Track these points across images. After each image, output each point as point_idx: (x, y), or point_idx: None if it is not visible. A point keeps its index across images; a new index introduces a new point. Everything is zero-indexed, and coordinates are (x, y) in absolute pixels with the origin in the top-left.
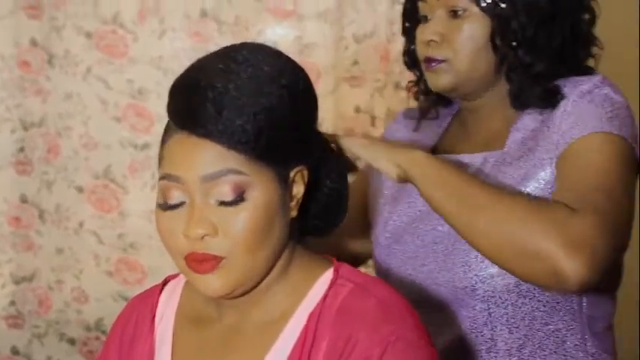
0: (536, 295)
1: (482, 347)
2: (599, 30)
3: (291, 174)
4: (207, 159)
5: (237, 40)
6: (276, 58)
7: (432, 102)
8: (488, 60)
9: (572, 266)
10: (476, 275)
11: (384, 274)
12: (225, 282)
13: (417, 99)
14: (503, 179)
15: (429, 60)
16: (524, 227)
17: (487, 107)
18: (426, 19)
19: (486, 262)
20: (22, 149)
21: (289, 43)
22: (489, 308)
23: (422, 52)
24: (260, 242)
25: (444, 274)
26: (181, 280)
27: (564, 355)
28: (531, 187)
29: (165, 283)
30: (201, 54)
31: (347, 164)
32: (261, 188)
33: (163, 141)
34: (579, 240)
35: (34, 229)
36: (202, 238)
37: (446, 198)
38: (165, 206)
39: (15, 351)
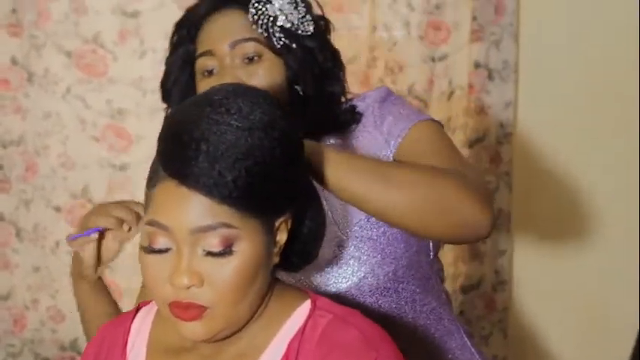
0: (411, 280)
1: None
2: (600, 30)
3: (277, 223)
4: (197, 212)
5: None
6: (268, 105)
7: None
8: (285, 99)
9: (485, 214)
10: (355, 273)
11: None
12: (208, 330)
13: None
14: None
15: None
16: (437, 187)
17: None
18: (211, 73)
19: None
20: (0, 167)
21: None
22: (378, 300)
23: None
24: (245, 293)
25: (325, 277)
26: (153, 307)
27: (446, 332)
28: None
29: (137, 309)
30: None
31: None
32: (249, 240)
33: (151, 184)
34: (480, 191)
35: (11, 247)
36: (188, 288)
37: (352, 180)
38: (149, 250)
39: None
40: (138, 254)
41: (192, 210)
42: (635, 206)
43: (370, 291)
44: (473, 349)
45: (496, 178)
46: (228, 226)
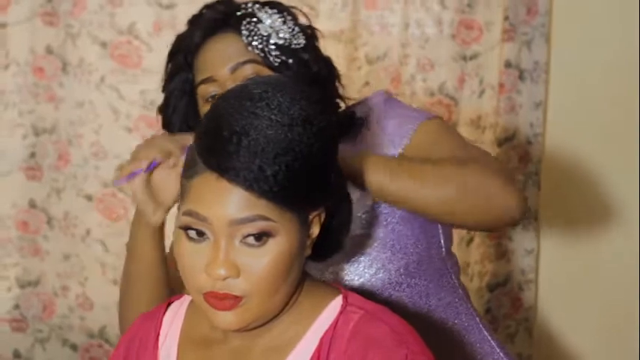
0: (423, 275)
1: None
2: (600, 30)
3: (311, 216)
4: (237, 204)
5: None
6: (306, 100)
7: None
8: None
9: (517, 198)
10: (367, 269)
11: None
12: (241, 319)
13: None
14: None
15: None
16: (469, 177)
17: None
18: (213, 97)
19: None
20: (32, 155)
21: None
22: (391, 295)
23: None
24: (280, 284)
25: (339, 274)
26: (185, 300)
27: (464, 326)
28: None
29: (169, 303)
30: None
31: None
32: (285, 233)
33: (189, 174)
34: (507, 176)
35: (42, 235)
36: (224, 279)
37: (388, 182)
38: (187, 229)
39: (17, 354)
40: (173, 241)
41: (231, 203)
42: None
43: (383, 286)
44: (493, 343)
45: (525, 177)
46: (265, 218)
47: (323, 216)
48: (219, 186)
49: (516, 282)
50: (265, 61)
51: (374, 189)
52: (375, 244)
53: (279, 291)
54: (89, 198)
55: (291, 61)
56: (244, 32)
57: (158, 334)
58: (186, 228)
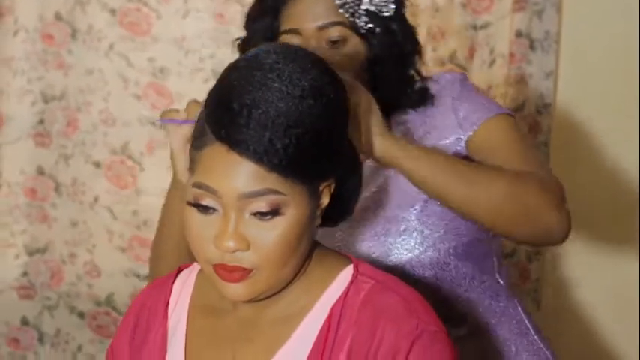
0: (470, 258)
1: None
2: (601, 14)
3: (321, 187)
4: (246, 178)
5: None
6: (317, 70)
7: None
8: (364, 80)
9: (561, 219)
10: (418, 245)
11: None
12: (251, 291)
13: None
14: None
15: None
16: (517, 192)
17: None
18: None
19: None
20: (41, 122)
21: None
22: (437, 274)
23: None
24: (290, 256)
25: (387, 247)
26: (195, 268)
27: (503, 308)
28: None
29: (178, 271)
30: (223, 35)
31: None
32: (295, 206)
33: (198, 144)
34: (557, 196)
35: (50, 202)
36: (234, 251)
37: (440, 177)
38: (196, 205)
39: (25, 321)
40: (183, 213)
41: (241, 176)
42: None
43: (430, 264)
44: (529, 324)
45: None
46: (275, 192)
47: (333, 186)
48: (229, 158)
49: (525, 253)
50: (352, 25)
51: (415, 180)
52: (430, 222)
53: (288, 263)
54: (97, 165)
55: (378, 29)
56: None
57: (168, 302)
58: (195, 204)
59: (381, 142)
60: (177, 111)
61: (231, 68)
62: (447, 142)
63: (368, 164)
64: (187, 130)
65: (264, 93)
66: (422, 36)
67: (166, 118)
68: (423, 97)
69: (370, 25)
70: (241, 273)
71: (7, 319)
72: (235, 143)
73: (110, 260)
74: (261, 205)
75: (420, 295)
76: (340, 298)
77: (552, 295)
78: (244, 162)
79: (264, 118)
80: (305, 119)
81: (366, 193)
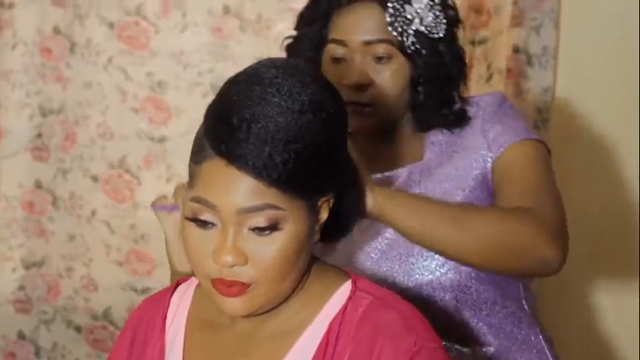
0: (492, 282)
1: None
2: (599, 30)
3: (320, 202)
4: (245, 192)
5: (259, 39)
6: (317, 86)
7: None
8: (404, 100)
9: (555, 252)
10: (439, 267)
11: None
12: (249, 306)
13: None
14: (432, 183)
15: (353, 104)
16: (507, 231)
17: (390, 132)
18: (338, 60)
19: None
20: (39, 135)
21: None
22: (457, 297)
23: (346, 96)
24: (288, 271)
25: (409, 267)
26: (193, 283)
27: (524, 336)
28: (463, 190)
29: (176, 285)
30: (221, 50)
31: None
32: (293, 221)
33: (197, 159)
34: (553, 229)
35: (47, 216)
36: (232, 266)
37: (430, 226)
38: (194, 220)
39: (21, 335)
40: (181, 227)
41: (240, 190)
42: None
43: (451, 287)
44: (549, 355)
45: None
46: (274, 207)
47: (332, 201)
48: (228, 173)
49: None
50: (399, 44)
51: (401, 228)
52: None
53: (287, 278)
54: (95, 179)
55: (425, 51)
56: (390, 10)
57: (165, 316)
58: (193, 219)
59: (369, 196)
60: (165, 197)
61: (231, 82)
62: (474, 162)
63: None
64: (179, 216)
65: (264, 108)
66: None
67: (157, 205)
68: (460, 120)
69: (417, 46)
70: (240, 288)
71: (4, 333)
72: (234, 158)
73: (107, 274)
74: (260, 220)
75: (419, 311)
76: (339, 313)
77: (554, 295)
78: (243, 177)
79: (263, 133)
80: (304, 134)
81: None
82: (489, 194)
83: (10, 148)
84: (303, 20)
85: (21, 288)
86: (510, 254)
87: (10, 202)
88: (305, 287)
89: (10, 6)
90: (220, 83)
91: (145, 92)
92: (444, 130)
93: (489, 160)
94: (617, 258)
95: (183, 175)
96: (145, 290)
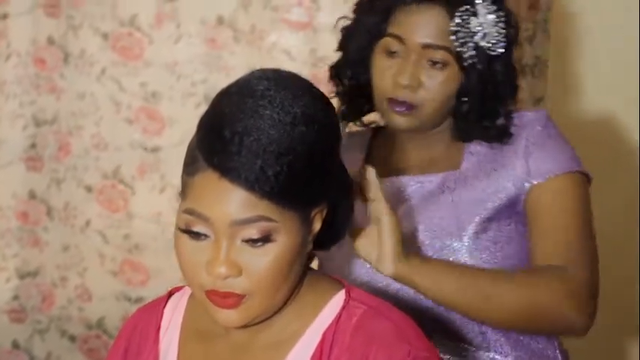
0: None
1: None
2: (599, 29)
3: (312, 213)
4: (238, 205)
5: (252, 49)
6: (308, 97)
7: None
8: (449, 107)
9: (582, 319)
10: None
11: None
12: (244, 317)
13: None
14: (465, 192)
15: (400, 103)
16: (533, 300)
17: (432, 134)
18: (392, 54)
19: None
20: (33, 146)
21: (304, 55)
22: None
23: (390, 91)
24: (281, 282)
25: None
26: (186, 292)
27: (541, 351)
28: (493, 203)
29: (169, 295)
30: (215, 60)
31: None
32: (286, 232)
33: (190, 170)
34: (582, 295)
35: (42, 226)
36: (225, 278)
37: (454, 295)
38: (187, 231)
39: (16, 345)
40: (174, 238)
41: (232, 203)
42: None
43: None
44: None
45: None
46: (267, 219)
47: (325, 212)
48: (221, 185)
49: None
50: (457, 54)
51: (431, 295)
52: (482, 257)
53: (281, 288)
54: (89, 189)
55: (480, 66)
56: (456, 19)
57: (159, 326)
58: (186, 230)
59: (397, 263)
60: None
61: (223, 94)
62: (510, 184)
63: (420, 193)
64: None
65: (256, 120)
66: None
67: None
68: (501, 135)
69: (474, 60)
70: (235, 299)
71: None
72: (227, 170)
73: (101, 284)
74: (253, 231)
75: (412, 320)
76: (332, 323)
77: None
78: (236, 189)
79: (255, 146)
80: (296, 146)
81: (418, 223)
82: (516, 214)
83: (3, 159)
84: (363, 8)
85: (15, 298)
86: (535, 321)
87: (4, 212)
88: (298, 297)
89: (4, 17)
90: (214, 94)
91: (138, 103)
92: (484, 142)
93: (527, 185)
94: (617, 258)
95: (177, 185)
96: (139, 300)
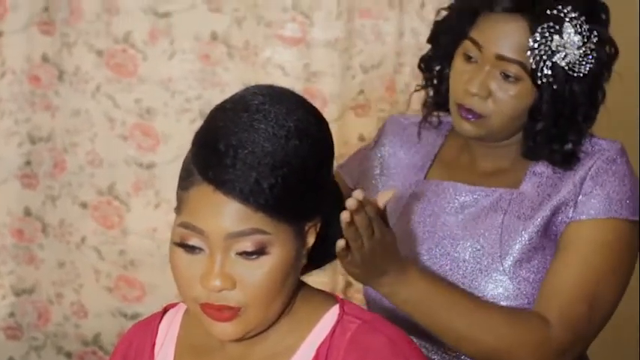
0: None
1: None
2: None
3: (307, 227)
4: (233, 218)
5: (246, 65)
6: (302, 111)
7: (436, 109)
8: (520, 122)
9: None
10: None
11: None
12: (240, 330)
13: (424, 105)
14: (516, 217)
15: (467, 110)
16: (505, 347)
17: (502, 146)
18: (469, 59)
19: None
20: (28, 163)
21: (297, 70)
22: None
23: (460, 97)
24: (275, 295)
25: None
26: (181, 308)
27: None
28: (536, 227)
29: (165, 311)
30: (209, 76)
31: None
32: (280, 245)
33: (185, 185)
34: (553, 355)
35: (37, 243)
36: (220, 291)
37: (440, 319)
38: (182, 245)
39: None
40: (169, 252)
41: (227, 216)
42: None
43: None
44: None
45: None
46: (261, 232)
47: (319, 226)
48: (216, 198)
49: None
50: (532, 71)
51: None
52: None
53: (275, 301)
54: (84, 206)
55: (556, 86)
56: (537, 35)
57: (154, 343)
58: (181, 244)
59: (388, 282)
60: None
61: (218, 109)
62: (555, 216)
63: (474, 207)
64: None
65: (251, 134)
66: (406, 75)
67: None
68: (567, 162)
69: (550, 80)
70: (230, 312)
71: None
72: (222, 183)
73: (97, 300)
74: (247, 244)
75: (407, 335)
76: (327, 338)
77: None
78: (230, 202)
79: (250, 159)
80: (291, 159)
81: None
82: (550, 239)
83: None
84: (457, 5)
85: (11, 315)
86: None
87: None
88: (293, 311)
89: None
90: (208, 109)
91: (133, 119)
92: (550, 165)
93: (568, 219)
94: None
95: (172, 201)
96: (134, 316)
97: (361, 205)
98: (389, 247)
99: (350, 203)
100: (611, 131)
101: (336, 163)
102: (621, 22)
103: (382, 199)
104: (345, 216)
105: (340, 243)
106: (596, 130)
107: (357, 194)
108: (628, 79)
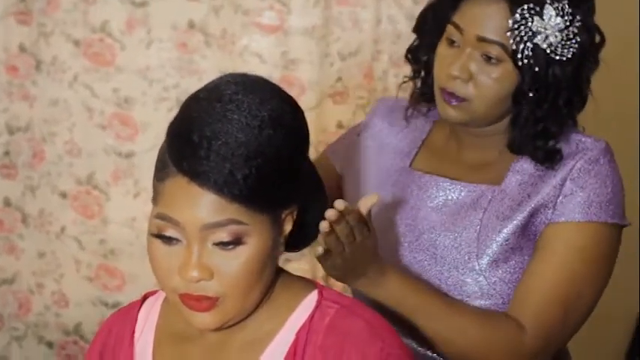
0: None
1: None
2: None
3: (283, 215)
4: (208, 209)
5: (224, 53)
6: (276, 100)
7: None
8: (504, 107)
9: None
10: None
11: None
12: (219, 319)
13: (412, 97)
14: (495, 216)
15: (449, 94)
16: (477, 350)
17: (488, 135)
18: (452, 43)
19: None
20: (7, 153)
21: (275, 58)
22: None
23: (443, 81)
24: (254, 284)
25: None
26: (160, 296)
27: None
28: (514, 227)
29: (144, 299)
30: (187, 65)
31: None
32: (257, 234)
33: (161, 176)
34: (526, 358)
35: (17, 233)
36: (198, 281)
37: (419, 321)
38: (160, 236)
39: None
40: (147, 243)
41: (203, 207)
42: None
43: None
44: None
45: None
46: (237, 222)
47: (295, 213)
48: (191, 190)
49: None
50: (512, 52)
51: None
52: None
53: (253, 290)
54: (64, 195)
55: (537, 69)
56: (517, 16)
57: (134, 330)
58: (158, 235)
59: (366, 283)
60: None
61: (192, 99)
62: (534, 217)
63: (454, 202)
64: None
65: (224, 125)
66: (384, 62)
67: None
68: (549, 159)
69: (531, 62)
70: (208, 302)
71: None
72: (196, 175)
73: (78, 290)
74: (223, 235)
75: (384, 319)
76: (305, 323)
77: None
78: (206, 193)
79: (224, 150)
80: (265, 149)
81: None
82: (528, 240)
83: None
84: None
85: None
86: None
87: None
88: (272, 298)
89: None
90: (186, 97)
91: (111, 108)
92: (532, 161)
93: (547, 220)
94: (618, 261)
95: (151, 190)
96: (115, 305)
97: (342, 215)
98: (370, 250)
99: (330, 214)
100: (612, 131)
101: (313, 151)
102: (621, 22)
103: (365, 204)
104: (323, 226)
105: (318, 250)
106: (595, 129)
107: (338, 205)
108: (628, 79)
